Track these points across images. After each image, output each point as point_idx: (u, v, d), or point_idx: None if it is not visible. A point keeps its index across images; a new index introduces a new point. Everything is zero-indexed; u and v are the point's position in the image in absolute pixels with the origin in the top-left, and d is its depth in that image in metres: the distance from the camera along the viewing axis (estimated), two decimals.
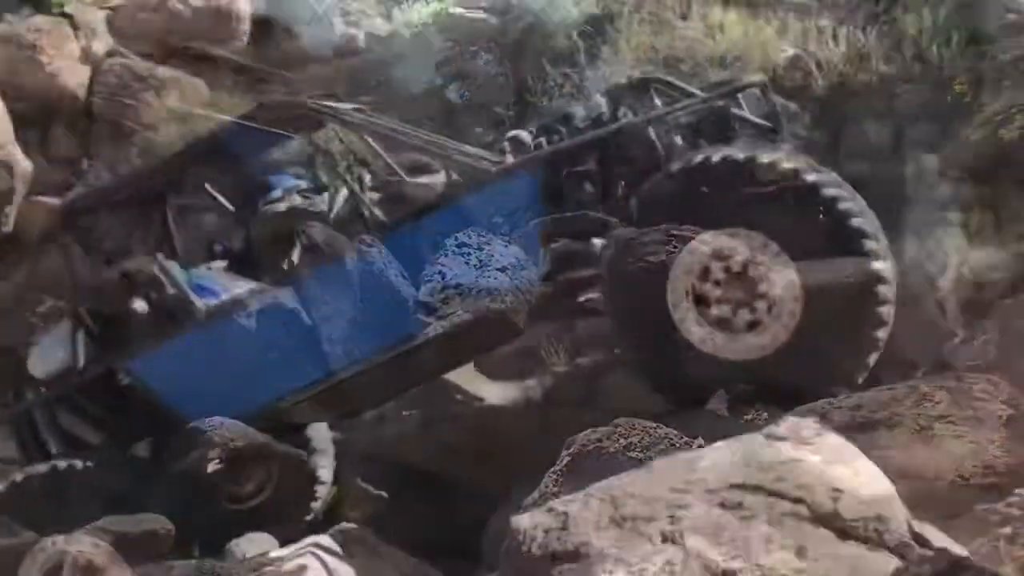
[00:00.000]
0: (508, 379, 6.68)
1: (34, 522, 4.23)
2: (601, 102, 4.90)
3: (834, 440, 3.28)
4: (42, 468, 4.65)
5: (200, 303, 4.60)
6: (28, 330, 6.25)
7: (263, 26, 8.38)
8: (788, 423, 3.55)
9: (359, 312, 4.42)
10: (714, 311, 3.97)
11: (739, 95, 4.63)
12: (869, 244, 3.89)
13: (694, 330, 3.91)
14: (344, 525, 4.45)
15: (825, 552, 2.57)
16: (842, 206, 3.85)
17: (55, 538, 3.93)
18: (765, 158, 3.99)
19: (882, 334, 3.95)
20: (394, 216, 4.60)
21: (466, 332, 4.41)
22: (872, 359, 4.06)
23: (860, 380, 4.08)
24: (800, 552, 2.60)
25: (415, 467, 6.30)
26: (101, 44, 7.80)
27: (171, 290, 4.62)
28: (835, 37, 7.06)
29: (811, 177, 3.91)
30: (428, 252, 4.39)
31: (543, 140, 4.69)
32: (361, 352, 4.45)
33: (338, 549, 3.78)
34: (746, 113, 4.57)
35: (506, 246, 4.27)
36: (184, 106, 7.36)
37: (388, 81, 7.67)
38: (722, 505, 3.02)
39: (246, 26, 8.23)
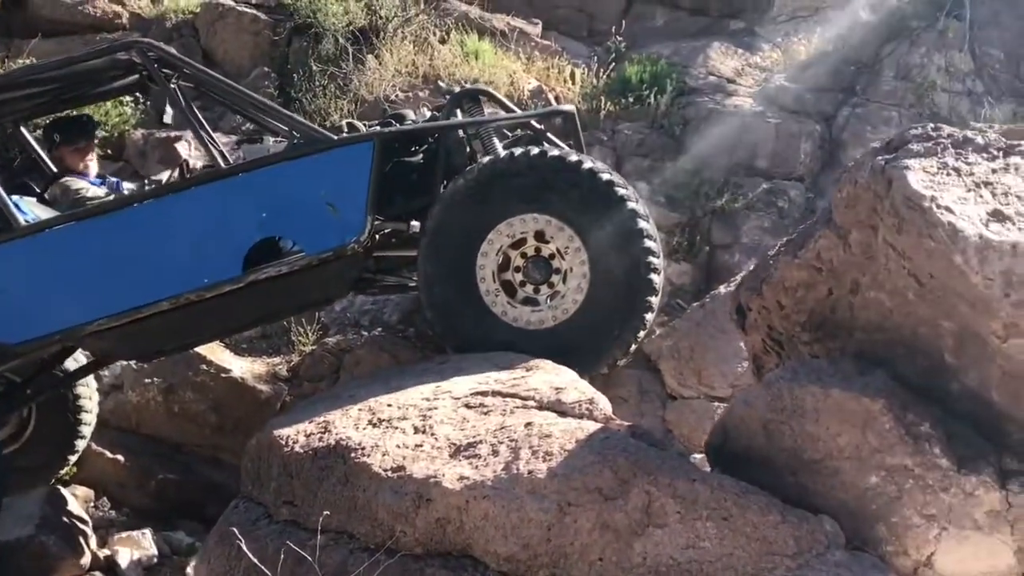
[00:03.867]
0: (254, 355, 6.91)
1: None
2: (426, 113, 5.24)
3: (550, 366, 3.97)
4: None
5: (20, 217, 4.45)
6: None
7: None
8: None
9: (183, 247, 4.44)
10: (520, 293, 4.47)
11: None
12: (647, 229, 4.38)
13: (508, 312, 4.41)
14: None
15: (548, 423, 3.19)
16: (619, 191, 4.36)
17: None
18: (556, 152, 4.49)
19: (654, 302, 4.46)
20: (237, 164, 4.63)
21: (295, 279, 4.50)
22: (643, 330, 4.54)
23: (631, 349, 4.61)
24: (528, 425, 3.20)
25: (152, 433, 6.33)
26: None
27: None
28: (572, 77, 8.09)
29: (601, 173, 4.43)
30: (266, 203, 4.50)
31: (376, 127, 4.88)
32: (179, 287, 4.41)
33: None
34: (556, 139, 5.02)
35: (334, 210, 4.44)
36: None
37: None
38: (466, 406, 3.60)
39: None
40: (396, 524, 3.06)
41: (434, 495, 3.01)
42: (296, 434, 3.64)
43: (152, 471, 6.10)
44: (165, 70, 4.64)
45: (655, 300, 4.51)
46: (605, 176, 4.45)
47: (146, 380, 6.42)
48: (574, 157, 4.49)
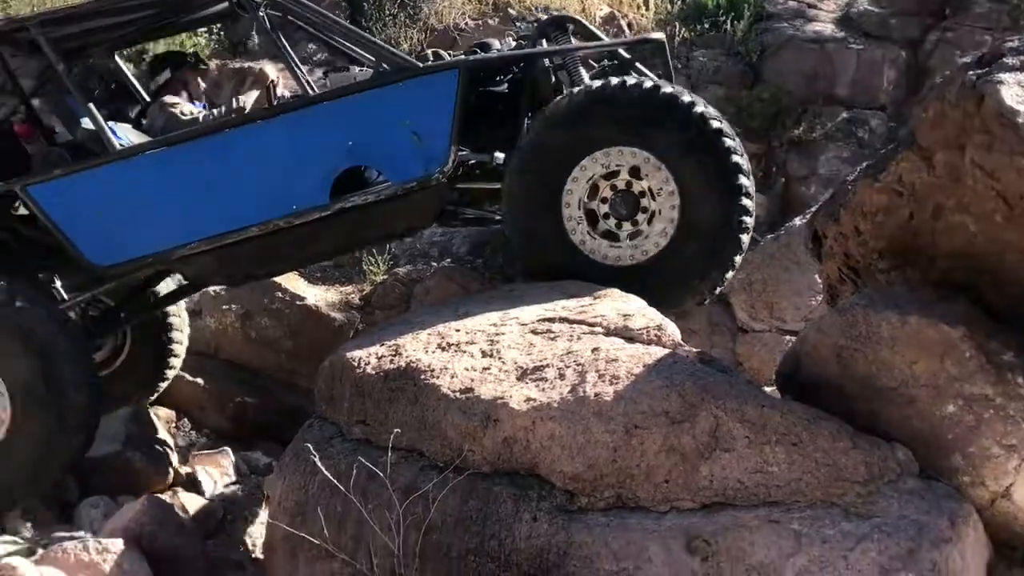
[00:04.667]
0: (328, 284, 7.04)
1: None
2: (511, 43, 5.15)
3: (618, 294, 3.94)
4: None
5: (116, 141, 4.57)
6: None
7: None
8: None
9: (273, 174, 4.46)
10: (601, 225, 4.36)
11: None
12: (747, 186, 4.24)
13: (587, 242, 4.32)
14: None
15: (615, 348, 3.18)
16: (727, 142, 4.21)
17: None
18: (670, 88, 4.32)
19: (738, 260, 4.36)
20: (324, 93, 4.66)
21: (380, 208, 4.50)
22: (720, 286, 4.45)
23: (704, 302, 4.55)
24: (595, 350, 3.20)
25: (231, 358, 6.53)
26: None
27: (87, 125, 4.52)
28: (646, 2, 7.89)
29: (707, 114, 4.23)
30: (353, 131, 4.51)
31: (462, 56, 4.77)
32: (269, 213, 4.46)
33: None
34: (644, 68, 4.84)
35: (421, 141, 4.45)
36: None
37: None
38: (533, 332, 3.60)
39: None
40: (464, 443, 3.10)
41: (501, 415, 3.04)
42: (368, 356, 3.70)
43: (230, 394, 6.30)
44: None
45: (739, 259, 4.40)
46: (715, 124, 4.28)
47: (224, 306, 6.60)
48: (687, 97, 4.33)
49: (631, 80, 4.38)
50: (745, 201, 4.26)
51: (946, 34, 7.59)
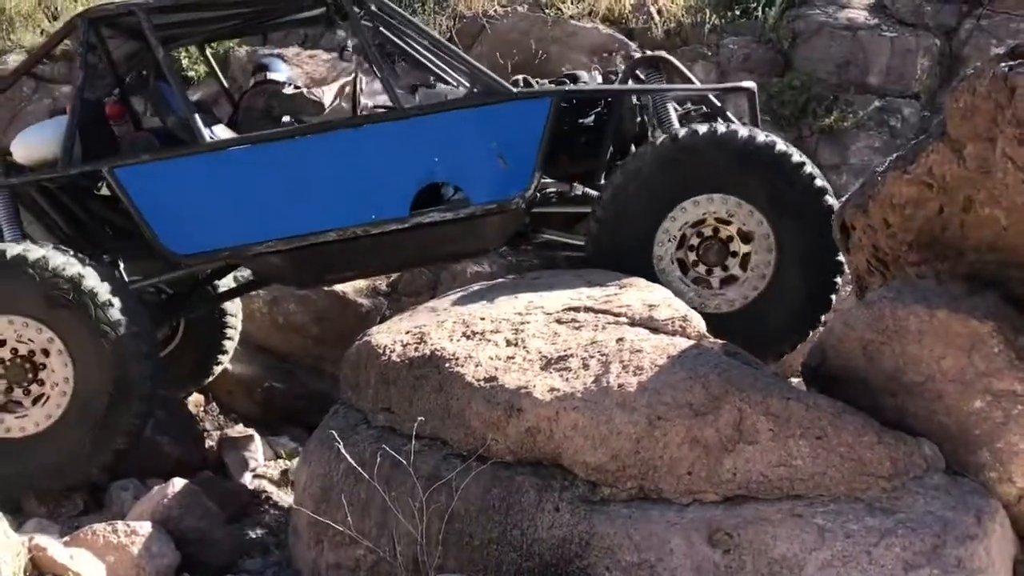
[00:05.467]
0: None
1: None
2: (597, 77, 5.15)
3: (643, 284, 3.94)
4: None
5: (207, 133, 4.62)
6: None
7: None
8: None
9: (357, 181, 4.53)
10: (691, 273, 4.45)
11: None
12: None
13: (681, 289, 4.34)
14: None
15: (640, 338, 3.18)
16: (828, 200, 4.29)
17: None
18: (766, 136, 4.39)
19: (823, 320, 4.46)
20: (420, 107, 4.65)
21: (455, 227, 4.58)
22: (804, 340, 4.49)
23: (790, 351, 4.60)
24: (619, 340, 3.20)
25: (259, 344, 6.59)
26: None
27: (179, 112, 4.58)
28: None
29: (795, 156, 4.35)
30: (440, 148, 4.52)
31: (551, 86, 4.88)
32: (348, 220, 4.53)
33: None
34: (732, 116, 4.88)
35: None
36: None
37: None
38: (558, 321, 3.61)
39: None
40: (488, 432, 3.11)
41: (525, 405, 3.05)
42: (393, 343, 3.72)
43: (258, 379, 6.36)
44: (355, 7, 4.67)
45: (824, 318, 4.46)
46: (819, 183, 4.37)
47: (252, 292, 6.67)
48: (782, 146, 4.38)
49: (721, 127, 4.42)
50: (842, 263, 4.29)
51: (981, 22, 7.45)
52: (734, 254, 4.44)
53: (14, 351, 4.28)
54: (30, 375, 4.30)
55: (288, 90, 5.03)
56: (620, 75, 5.00)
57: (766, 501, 2.71)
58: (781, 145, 4.39)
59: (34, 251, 4.27)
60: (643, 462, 2.80)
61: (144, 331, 4.37)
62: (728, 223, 4.42)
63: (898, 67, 7.30)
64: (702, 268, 4.46)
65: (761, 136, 4.42)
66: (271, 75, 5.13)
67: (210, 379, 5.89)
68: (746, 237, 4.40)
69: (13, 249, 4.26)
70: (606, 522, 2.79)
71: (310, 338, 6.58)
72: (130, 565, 3.51)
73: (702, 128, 4.40)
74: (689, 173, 4.38)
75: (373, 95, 5.38)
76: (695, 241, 4.46)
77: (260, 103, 4.94)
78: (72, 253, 4.36)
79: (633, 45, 7.50)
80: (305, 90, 5.02)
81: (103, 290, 4.25)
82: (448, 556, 3.10)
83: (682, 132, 4.43)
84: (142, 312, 4.46)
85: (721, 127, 4.42)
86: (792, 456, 2.72)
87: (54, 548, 3.40)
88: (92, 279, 4.25)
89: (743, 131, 4.41)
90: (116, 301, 4.26)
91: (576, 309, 3.65)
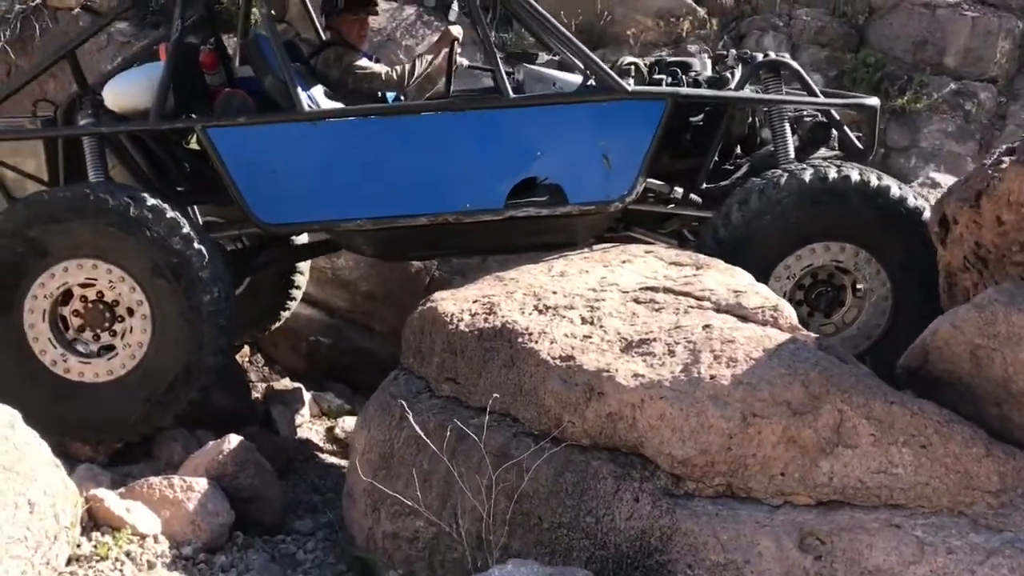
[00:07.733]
0: None
1: None
2: (708, 62, 4.95)
3: (723, 266, 3.78)
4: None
5: (306, 100, 4.45)
6: None
7: None
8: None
9: (455, 167, 4.38)
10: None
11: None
12: None
13: None
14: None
15: (729, 327, 3.03)
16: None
17: None
18: (902, 193, 4.23)
19: None
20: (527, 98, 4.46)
21: (547, 222, 4.44)
22: None
23: None
24: (706, 327, 3.05)
25: (306, 297, 6.50)
26: None
27: (279, 76, 4.39)
28: None
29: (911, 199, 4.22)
30: (544, 142, 4.34)
31: (664, 77, 4.65)
32: (442, 206, 4.39)
33: None
34: (849, 132, 4.69)
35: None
36: None
37: None
38: (636, 301, 3.46)
39: None
40: (564, 413, 2.99)
41: (606, 389, 2.92)
42: (460, 312, 3.59)
43: (304, 332, 6.28)
44: None
45: None
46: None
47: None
48: (897, 191, 4.23)
49: (833, 173, 4.22)
50: None
51: None
52: (841, 304, 4.33)
53: (100, 294, 4.22)
54: (107, 324, 4.24)
55: (361, 61, 4.78)
56: (739, 75, 4.67)
57: (862, 508, 2.58)
58: (928, 213, 4.13)
59: (167, 210, 4.17)
60: (734, 459, 2.67)
61: (230, 326, 4.30)
62: (847, 273, 4.29)
63: (977, 49, 7.01)
64: (804, 310, 4.31)
65: (911, 199, 4.24)
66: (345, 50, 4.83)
67: (264, 334, 5.80)
68: (860, 292, 4.28)
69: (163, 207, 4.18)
70: (690, 518, 2.67)
71: (359, 294, 6.48)
72: (186, 521, 3.44)
73: (854, 174, 4.22)
74: (829, 216, 4.22)
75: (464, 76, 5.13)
76: (807, 281, 4.33)
77: (335, 75, 4.74)
78: (190, 225, 4.24)
79: (701, 11, 7.26)
80: (383, 69, 4.79)
81: (207, 275, 4.17)
82: (514, 536, 3.01)
83: (832, 173, 4.23)
84: (234, 305, 4.38)
85: (874, 178, 4.23)
86: (893, 463, 2.58)
87: (111, 500, 3.34)
88: (198, 259, 4.16)
89: (895, 189, 4.23)
90: (215, 290, 4.18)
91: (654, 289, 3.50)
